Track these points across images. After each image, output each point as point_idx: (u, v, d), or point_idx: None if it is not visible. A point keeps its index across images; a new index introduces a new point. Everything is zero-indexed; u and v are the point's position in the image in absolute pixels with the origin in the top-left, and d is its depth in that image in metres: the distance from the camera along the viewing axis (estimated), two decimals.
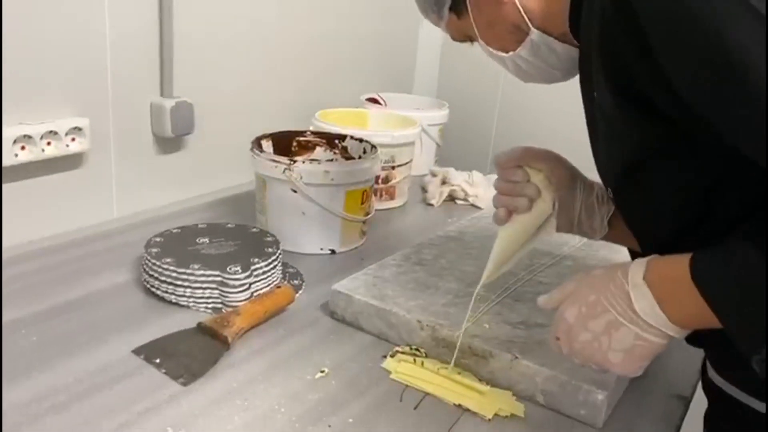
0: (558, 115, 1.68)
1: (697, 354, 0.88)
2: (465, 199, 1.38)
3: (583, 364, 0.63)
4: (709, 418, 0.72)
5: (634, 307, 0.56)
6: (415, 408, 0.72)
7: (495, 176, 1.44)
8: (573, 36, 0.67)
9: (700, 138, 0.53)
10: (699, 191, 0.56)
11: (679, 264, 0.53)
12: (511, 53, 0.70)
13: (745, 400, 0.63)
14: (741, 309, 0.49)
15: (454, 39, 0.77)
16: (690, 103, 0.49)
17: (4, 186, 0.98)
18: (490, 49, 0.72)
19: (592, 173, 0.76)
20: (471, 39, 0.75)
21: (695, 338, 0.60)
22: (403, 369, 0.77)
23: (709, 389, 0.69)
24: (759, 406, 0.62)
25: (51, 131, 1.00)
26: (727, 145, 0.49)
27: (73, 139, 1.04)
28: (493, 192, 0.78)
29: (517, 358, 0.74)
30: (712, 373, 0.68)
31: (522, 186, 0.75)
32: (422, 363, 0.78)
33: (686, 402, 0.79)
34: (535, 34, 0.68)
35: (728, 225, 0.54)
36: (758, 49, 0.43)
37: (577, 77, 0.69)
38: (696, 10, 0.45)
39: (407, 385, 0.75)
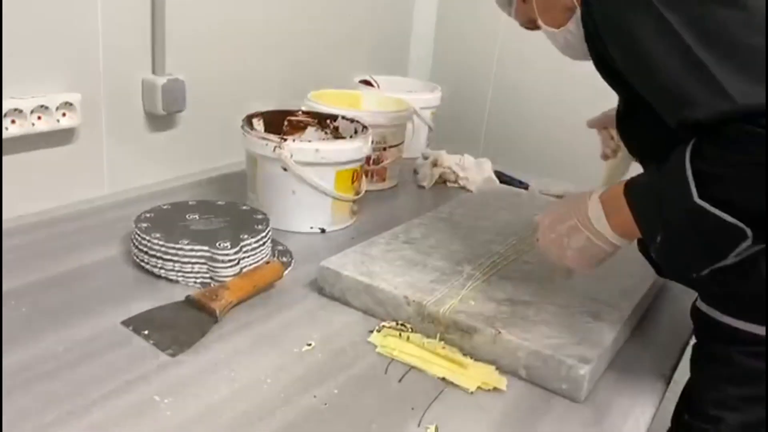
0: (549, 100, 1.69)
1: (679, 333, 0.90)
2: (456, 182, 1.39)
3: (550, 260, 0.79)
4: (695, 344, 0.83)
5: (588, 215, 0.72)
6: (399, 381, 0.73)
7: (485, 160, 1.46)
8: None
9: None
10: (662, 134, 0.67)
11: (623, 183, 0.70)
12: (561, 28, 0.81)
13: (720, 318, 0.76)
14: (645, 211, 0.66)
15: (521, 24, 0.90)
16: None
17: None
18: (548, 28, 0.83)
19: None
20: (534, 23, 0.86)
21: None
22: (388, 343, 0.78)
23: (697, 316, 0.80)
24: (732, 322, 0.75)
25: (42, 106, 1.00)
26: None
27: (64, 114, 1.04)
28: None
29: (500, 333, 0.75)
30: (700, 303, 0.80)
31: (607, 142, 1.06)
32: (408, 337, 0.79)
33: (667, 379, 0.80)
34: (579, 11, 0.77)
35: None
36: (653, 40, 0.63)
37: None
38: (624, 22, 0.66)
39: (392, 359, 0.76)
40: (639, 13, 0.64)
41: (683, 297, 0.98)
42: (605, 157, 1.07)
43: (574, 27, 0.79)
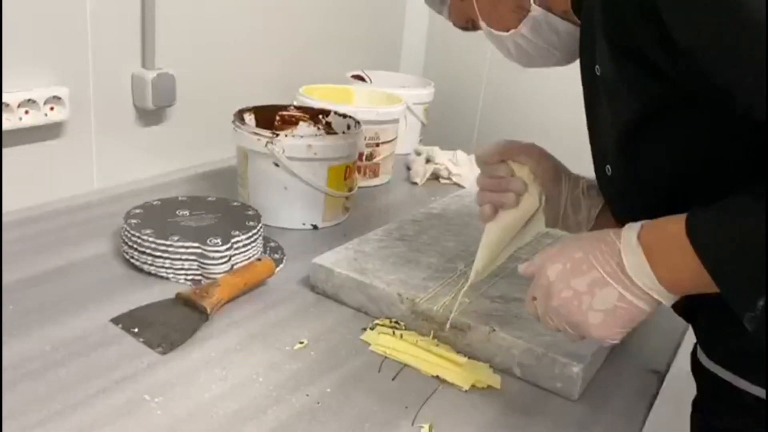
0: (543, 96, 1.69)
1: (673, 331, 0.89)
2: (449, 178, 1.38)
3: (556, 327, 0.61)
4: (698, 403, 0.70)
5: (623, 264, 0.54)
6: (393, 379, 0.72)
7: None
8: (575, 14, 0.67)
9: (698, 100, 0.52)
10: (695, 156, 0.55)
11: (673, 222, 0.52)
12: (512, 31, 0.69)
13: (735, 383, 0.60)
14: (735, 263, 0.48)
15: (456, 24, 0.76)
16: (691, 53, 0.48)
17: None
18: (492, 30, 0.72)
19: (579, 156, 0.76)
20: (473, 23, 0.74)
21: (687, 312, 0.60)
22: (382, 341, 0.77)
23: (699, 373, 0.66)
24: (750, 388, 0.60)
25: (29, 99, 0.98)
26: (724, 104, 0.49)
27: (52, 109, 1.02)
28: (477, 171, 0.78)
29: (494, 330, 0.75)
30: (702, 357, 0.65)
31: (507, 181, 0.74)
32: (401, 335, 0.78)
33: (661, 377, 0.80)
34: (536, 11, 0.67)
35: (723, 192, 0.51)
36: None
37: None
38: None
39: (386, 357, 0.75)
40: None
41: None
42: (493, 212, 0.75)
43: (527, 30, 0.68)
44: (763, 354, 0.55)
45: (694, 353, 0.67)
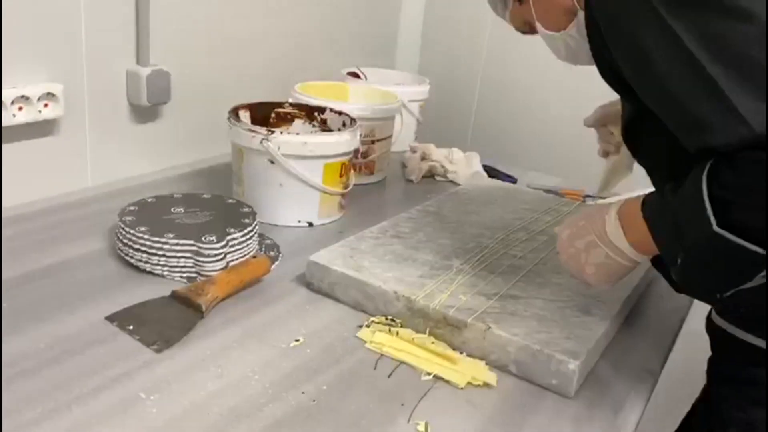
0: (537, 93, 1.69)
1: (667, 331, 0.90)
2: (444, 176, 1.38)
3: (571, 275, 0.77)
4: (712, 357, 0.81)
5: (606, 230, 0.71)
6: (389, 376, 0.72)
7: (474, 154, 1.46)
8: None
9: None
10: (681, 147, 0.64)
11: (639, 199, 0.68)
12: (562, 32, 0.79)
13: (741, 336, 0.74)
14: (665, 231, 0.64)
15: (516, 27, 0.86)
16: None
17: None
18: (546, 32, 0.81)
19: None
20: (530, 26, 0.83)
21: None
22: (378, 338, 0.77)
23: (712, 330, 0.79)
24: (753, 340, 0.73)
25: (23, 96, 0.98)
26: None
27: (46, 105, 1.01)
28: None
29: (490, 328, 0.75)
30: (715, 317, 0.78)
31: (609, 138, 1.03)
32: (397, 333, 0.78)
33: (656, 375, 0.80)
34: (581, 14, 0.75)
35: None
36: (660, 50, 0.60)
37: None
38: (628, 29, 0.62)
39: (382, 354, 0.75)
40: (643, 21, 0.60)
41: (671, 293, 0.98)
42: (605, 154, 1.04)
43: (575, 31, 0.77)
44: (761, 315, 0.70)
45: (708, 315, 0.80)
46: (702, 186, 0.58)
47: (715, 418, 0.78)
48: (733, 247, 0.57)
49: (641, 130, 0.76)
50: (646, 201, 0.68)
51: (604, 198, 1.09)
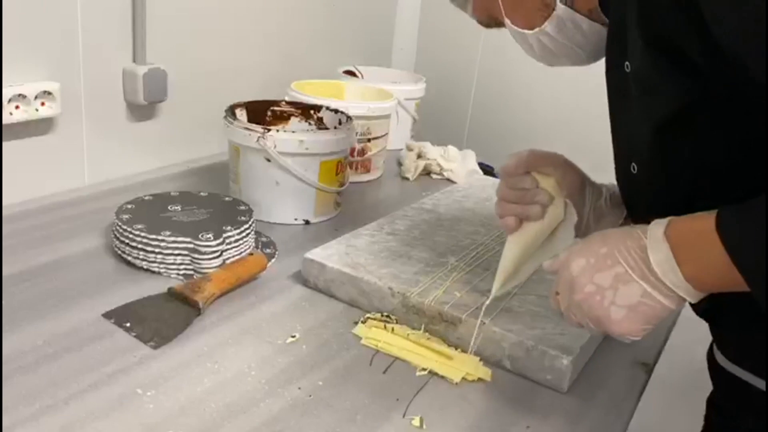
0: (533, 91, 1.69)
1: (662, 324, 0.90)
2: (440, 174, 1.39)
3: (578, 323, 0.60)
4: (713, 400, 0.71)
5: (649, 260, 0.53)
6: (384, 372, 0.73)
7: (470, 151, 1.46)
8: (603, 12, 0.66)
9: (733, 97, 0.52)
10: (726, 153, 0.54)
11: (702, 218, 0.51)
12: (536, 30, 0.69)
13: (753, 382, 0.61)
14: (765, 261, 0.47)
15: (481, 22, 0.76)
16: (727, 47, 0.48)
17: None
18: (516, 28, 0.71)
19: (566, 151, 0.76)
20: (497, 21, 0.73)
21: (706, 312, 0.60)
22: (373, 334, 0.78)
23: (716, 372, 0.67)
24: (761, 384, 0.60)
25: (19, 94, 0.98)
26: (759, 101, 0.48)
27: (43, 104, 1.02)
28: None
29: (484, 323, 0.75)
30: (719, 357, 0.65)
31: (533, 193, 0.72)
32: (392, 329, 0.79)
33: (649, 370, 0.81)
34: (561, 9, 0.67)
35: (749, 192, 0.50)
36: None
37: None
38: None
39: (377, 350, 0.76)
40: None
41: None
42: (518, 224, 0.74)
43: (552, 28, 0.68)
44: None
45: (710, 352, 0.67)
46: None
47: None
48: None
49: (681, 131, 0.57)
50: (725, 214, 0.50)
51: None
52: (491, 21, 0.74)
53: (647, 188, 0.64)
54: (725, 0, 0.46)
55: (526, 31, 0.70)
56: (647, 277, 0.53)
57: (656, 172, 0.61)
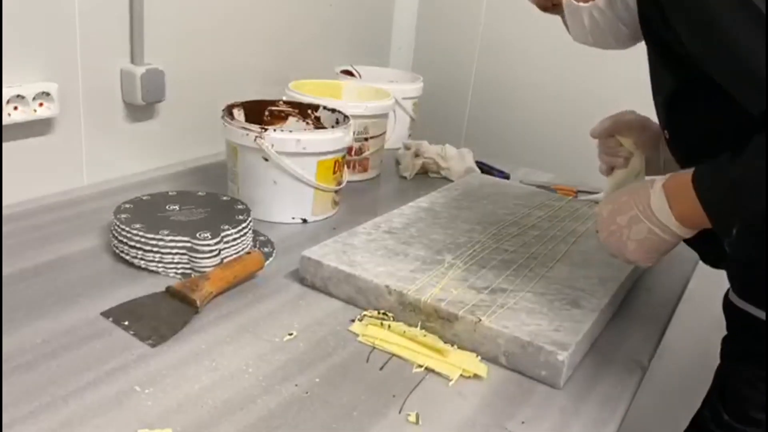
0: (530, 90, 1.70)
1: (657, 322, 0.91)
2: (438, 172, 1.39)
3: (610, 253, 0.77)
4: (727, 336, 0.83)
5: (650, 204, 0.70)
6: (380, 369, 0.73)
7: (467, 150, 1.46)
8: None
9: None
10: (724, 121, 0.66)
11: (688, 173, 0.67)
12: (591, 3, 0.76)
13: (756, 314, 0.75)
14: (719, 203, 0.64)
15: (538, 4, 0.83)
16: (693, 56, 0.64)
17: None
18: (572, 1, 0.78)
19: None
20: (553, 3, 0.81)
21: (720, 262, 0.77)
22: (370, 332, 0.78)
23: (729, 309, 0.80)
24: None
25: (18, 95, 0.99)
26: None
27: (41, 105, 1.02)
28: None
29: (480, 320, 0.76)
30: (734, 297, 0.79)
31: (616, 150, 0.92)
32: (389, 326, 0.79)
33: (644, 367, 0.81)
34: None
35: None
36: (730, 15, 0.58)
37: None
38: None
39: (374, 347, 0.76)
40: None
41: (660, 287, 1.00)
42: (610, 170, 0.94)
43: (604, 4, 0.75)
44: None
45: (726, 295, 0.81)
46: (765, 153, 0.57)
47: (728, 394, 0.79)
48: None
49: (684, 105, 0.73)
50: (699, 172, 0.65)
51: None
52: (548, 2, 0.82)
53: (675, 151, 0.80)
54: (681, 17, 0.63)
55: (581, 4, 0.77)
56: (651, 218, 0.70)
57: (673, 138, 0.78)
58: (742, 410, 0.76)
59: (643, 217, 0.70)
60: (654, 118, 0.84)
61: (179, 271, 0.88)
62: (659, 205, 0.69)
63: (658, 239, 0.70)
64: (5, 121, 0.98)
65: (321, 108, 1.21)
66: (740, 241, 0.65)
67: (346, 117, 1.17)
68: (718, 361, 0.85)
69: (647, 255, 0.72)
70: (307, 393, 0.68)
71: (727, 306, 0.80)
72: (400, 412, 0.67)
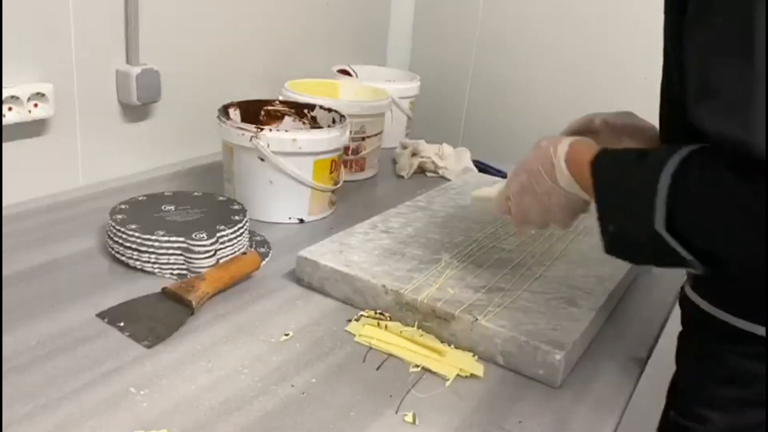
0: (527, 89, 1.70)
1: (654, 319, 0.91)
2: (435, 172, 1.39)
3: (522, 221, 0.78)
4: (681, 332, 0.79)
5: (557, 179, 0.71)
6: (377, 369, 0.73)
7: (464, 149, 1.46)
8: None
9: None
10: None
11: (591, 150, 0.68)
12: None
13: (717, 315, 0.70)
14: (606, 196, 0.64)
15: None
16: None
17: None
18: None
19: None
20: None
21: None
22: (366, 332, 0.78)
23: (685, 305, 0.77)
24: (732, 320, 0.69)
25: (13, 96, 0.98)
26: None
27: (36, 105, 1.02)
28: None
29: (477, 320, 0.76)
30: (688, 290, 0.76)
31: None
32: (386, 326, 0.79)
33: (642, 364, 0.81)
34: None
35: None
36: None
37: None
38: None
39: (371, 347, 0.76)
40: None
41: (657, 286, 1.00)
42: None
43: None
44: (751, 293, 0.65)
45: (682, 288, 0.78)
46: (665, 171, 0.56)
47: (682, 396, 0.76)
48: (667, 245, 0.58)
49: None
50: (599, 157, 0.66)
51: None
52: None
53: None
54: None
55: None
56: (559, 185, 0.71)
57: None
58: (689, 407, 0.73)
59: (554, 184, 0.72)
60: (650, 118, 0.81)
61: (175, 272, 0.87)
62: (567, 182, 0.70)
63: (568, 203, 0.72)
64: None
65: (317, 107, 1.21)
66: (613, 239, 0.63)
67: (342, 116, 1.16)
68: None
69: (560, 217, 0.74)
70: (303, 393, 0.68)
71: (682, 300, 0.78)
72: (396, 413, 0.66)
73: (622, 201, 0.62)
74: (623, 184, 0.62)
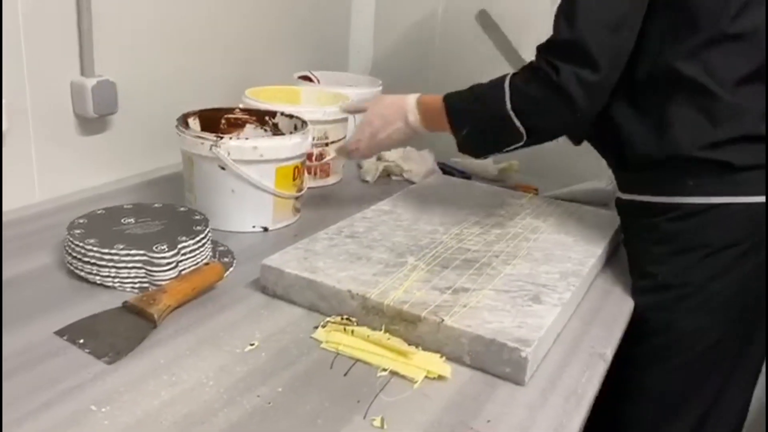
0: None
1: (618, 316, 0.92)
2: (400, 175, 1.39)
3: (363, 154, 1.12)
4: (625, 227, 1.03)
5: (407, 119, 1.04)
6: (345, 375, 0.72)
7: (428, 151, 1.46)
8: None
9: None
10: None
11: (436, 96, 1.00)
12: None
13: (645, 199, 0.96)
14: (458, 110, 0.97)
15: None
16: None
17: None
18: None
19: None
20: None
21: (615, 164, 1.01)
22: (333, 338, 0.78)
23: (623, 205, 1.01)
24: (656, 199, 0.94)
25: None
26: None
27: None
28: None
29: (443, 321, 0.76)
30: (621, 194, 1.01)
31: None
32: (352, 331, 0.79)
33: (607, 360, 0.82)
34: None
35: None
36: None
37: None
38: None
39: (338, 353, 0.76)
40: None
41: (623, 280, 1.01)
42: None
43: None
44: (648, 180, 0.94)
45: (617, 199, 1.02)
46: (507, 76, 0.90)
47: (632, 265, 0.99)
48: (509, 124, 0.89)
49: None
50: (447, 94, 0.98)
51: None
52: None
53: None
54: None
55: None
56: (409, 130, 1.05)
57: None
58: (641, 269, 0.97)
59: (405, 126, 1.04)
60: None
61: (136, 286, 0.86)
62: (414, 120, 1.03)
63: (408, 135, 1.05)
64: None
65: (279, 114, 1.20)
66: (467, 140, 0.95)
67: (304, 122, 1.16)
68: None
69: (399, 144, 1.09)
70: (269, 403, 0.67)
71: (620, 204, 1.01)
72: (365, 418, 0.66)
73: (476, 104, 0.94)
74: (475, 91, 0.95)
